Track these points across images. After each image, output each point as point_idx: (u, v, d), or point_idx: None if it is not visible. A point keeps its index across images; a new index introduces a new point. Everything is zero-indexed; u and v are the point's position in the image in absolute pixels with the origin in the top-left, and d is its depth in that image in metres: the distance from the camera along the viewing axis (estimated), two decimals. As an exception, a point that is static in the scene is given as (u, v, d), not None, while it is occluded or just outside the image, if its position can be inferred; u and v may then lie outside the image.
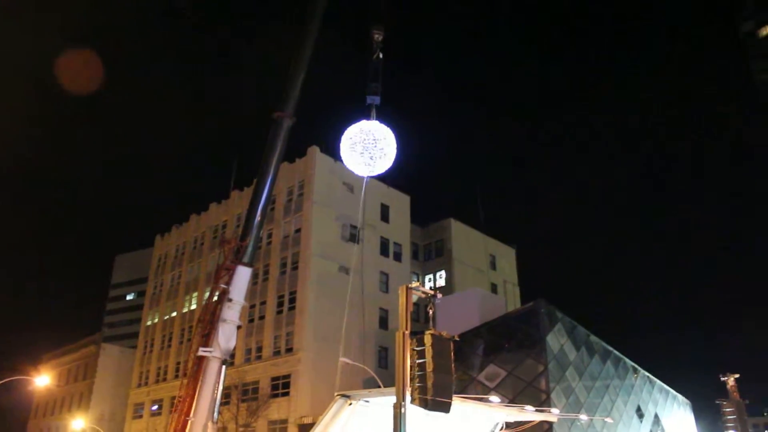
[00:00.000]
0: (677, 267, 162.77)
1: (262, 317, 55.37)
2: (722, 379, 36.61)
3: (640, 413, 49.40)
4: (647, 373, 52.92)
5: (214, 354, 19.14)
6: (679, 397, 58.20)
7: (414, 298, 15.52)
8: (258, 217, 21.23)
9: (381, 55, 21.04)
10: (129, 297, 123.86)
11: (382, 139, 19.39)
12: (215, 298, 20.26)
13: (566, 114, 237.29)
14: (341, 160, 20.32)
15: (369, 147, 19.17)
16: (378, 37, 21.24)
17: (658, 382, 54.48)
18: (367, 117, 20.03)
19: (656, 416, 51.83)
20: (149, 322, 71.75)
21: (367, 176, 20.46)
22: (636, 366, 51.60)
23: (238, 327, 20.18)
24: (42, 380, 48.13)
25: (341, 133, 20.04)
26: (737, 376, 36.60)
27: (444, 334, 14.51)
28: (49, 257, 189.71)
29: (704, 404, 61.49)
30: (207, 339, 19.46)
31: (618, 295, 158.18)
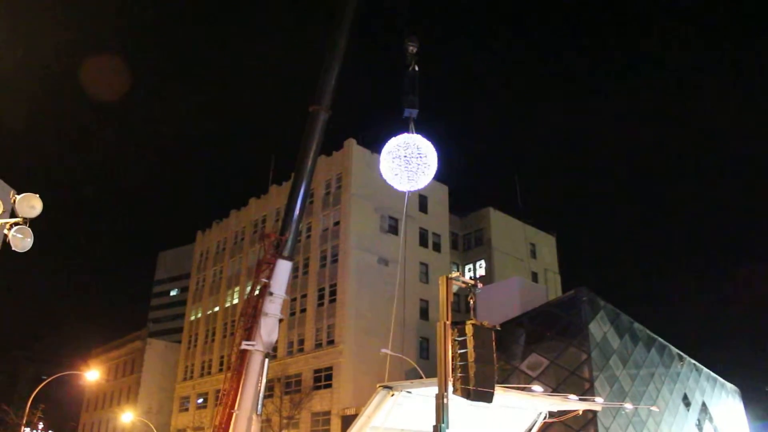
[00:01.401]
0: (724, 252, 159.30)
1: (303, 310, 55.85)
2: (772, 366, 35.76)
3: (686, 402, 48.55)
4: (693, 361, 51.96)
5: (256, 347, 19.38)
6: (728, 384, 57.02)
7: (454, 288, 15.47)
8: (297, 211, 21.38)
9: (417, 67, 20.46)
10: (172, 293, 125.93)
11: (424, 156, 19.13)
12: (257, 292, 20.51)
13: (605, 99, 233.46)
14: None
15: (410, 164, 18.89)
16: (412, 48, 20.65)
17: (705, 369, 53.45)
18: (405, 128, 19.78)
19: (704, 404, 50.89)
20: (193, 317, 72.95)
21: (408, 191, 20.27)
22: (681, 353, 50.68)
23: (280, 320, 20.40)
24: (92, 375, 49.39)
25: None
26: (788, 362, 35.72)
27: (485, 323, 14.44)
28: (94, 256, 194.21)
29: (754, 392, 60.20)
30: (249, 333, 19.72)
31: (662, 281, 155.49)
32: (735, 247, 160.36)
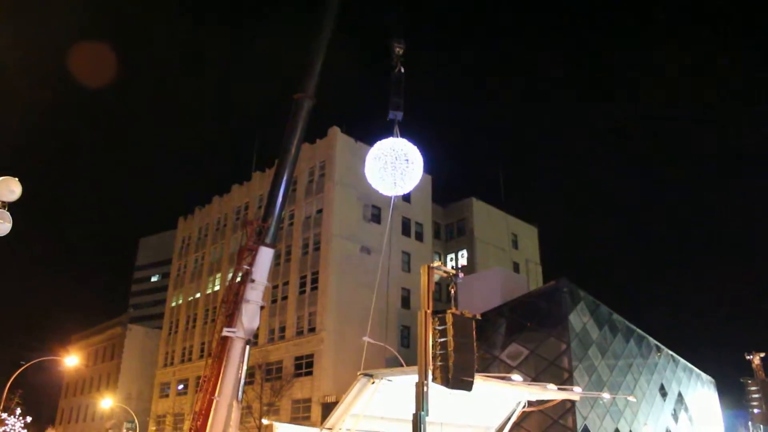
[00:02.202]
0: (702, 244, 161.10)
1: (284, 297, 55.82)
2: (747, 357, 36.23)
3: (663, 392, 49.24)
4: (671, 352, 52.65)
5: (237, 334, 19.35)
6: (703, 375, 57.86)
7: (436, 277, 15.51)
8: (280, 198, 21.30)
9: (402, 69, 20.11)
10: (154, 279, 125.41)
11: (411, 162, 19.09)
12: (238, 279, 20.46)
13: (591, 91, 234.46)
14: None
15: (396, 169, 18.82)
16: (399, 50, 20.29)
17: (682, 360, 54.19)
18: (390, 124, 19.67)
19: (680, 395, 51.64)
20: (174, 303, 72.66)
21: (394, 196, 20.24)
22: (659, 344, 51.34)
23: (262, 307, 20.37)
24: (71, 360, 49.05)
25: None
26: (763, 354, 36.21)
27: (466, 313, 14.53)
28: (75, 242, 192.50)
29: (729, 382, 61.06)
30: (231, 319, 19.68)
31: (641, 273, 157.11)
32: (714, 241, 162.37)
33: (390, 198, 22.29)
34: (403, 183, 19.19)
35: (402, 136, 19.60)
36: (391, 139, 19.36)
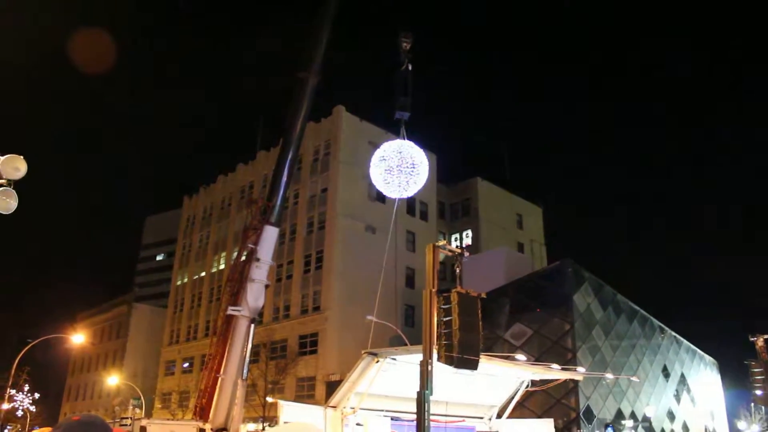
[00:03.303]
0: (706, 227, 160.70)
1: (289, 276, 55.96)
2: (751, 339, 36.24)
3: (666, 373, 49.37)
4: (674, 333, 52.72)
5: (242, 313, 19.43)
6: (706, 357, 57.98)
7: (441, 256, 15.50)
8: (284, 177, 21.28)
9: (410, 66, 19.01)
10: (159, 257, 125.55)
11: (417, 166, 18.95)
12: (243, 257, 20.50)
13: (597, 68, 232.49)
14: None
15: (402, 173, 18.68)
16: (406, 45, 19.13)
17: (685, 341, 54.28)
18: (396, 127, 19.32)
19: (682, 376, 51.79)
20: (179, 282, 72.97)
21: (398, 197, 20.12)
22: (663, 326, 51.39)
23: (267, 286, 20.43)
24: (78, 338, 49.34)
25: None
26: (766, 336, 36.22)
27: (471, 292, 14.51)
28: (81, 220, 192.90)
29: (731, 364, 61.18)
30: (236, 298, 19.75)
31: (646, 254, 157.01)
32: (718, 222, 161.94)
33: (395, 208, 22.16)
34: (407, 186, 19.09)
35: (406, 115, 19.30)
36: (397, 141, 19.15)
